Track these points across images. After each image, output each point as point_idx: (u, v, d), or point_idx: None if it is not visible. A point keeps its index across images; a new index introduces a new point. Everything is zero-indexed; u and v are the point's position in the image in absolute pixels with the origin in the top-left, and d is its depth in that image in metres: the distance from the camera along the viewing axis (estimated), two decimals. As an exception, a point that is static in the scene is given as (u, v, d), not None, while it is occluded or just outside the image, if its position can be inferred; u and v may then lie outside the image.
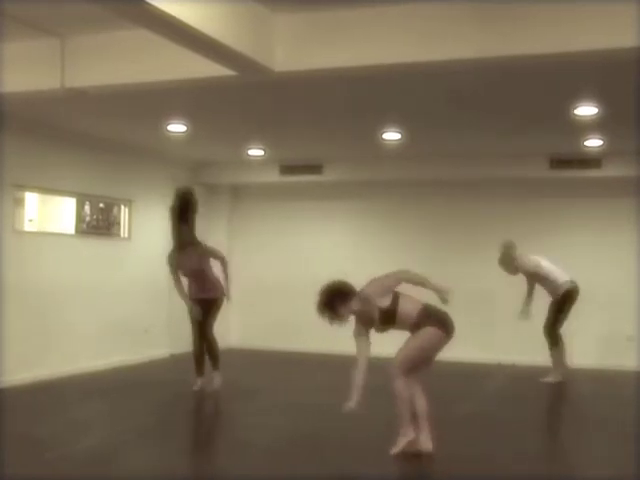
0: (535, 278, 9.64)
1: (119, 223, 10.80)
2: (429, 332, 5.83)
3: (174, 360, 10.97)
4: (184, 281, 8.63)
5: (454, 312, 10.70)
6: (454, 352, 10.29)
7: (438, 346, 5.93)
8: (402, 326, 5.94)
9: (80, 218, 10.08)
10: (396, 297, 5.94)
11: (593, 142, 9.57)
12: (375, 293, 5.98)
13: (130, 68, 6.07)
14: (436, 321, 5.88)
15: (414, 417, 5.99)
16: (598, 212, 11.24)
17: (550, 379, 9.49)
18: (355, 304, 5.93)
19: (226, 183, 12.70)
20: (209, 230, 12.81)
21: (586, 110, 7.77)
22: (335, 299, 5.98)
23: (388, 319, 5.90)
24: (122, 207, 10.86)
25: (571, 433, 7.02)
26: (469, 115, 8.36)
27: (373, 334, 6.00)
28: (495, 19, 5.20)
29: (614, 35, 4.94)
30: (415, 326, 5.88)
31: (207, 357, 8.61)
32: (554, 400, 8.66)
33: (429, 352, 5.97)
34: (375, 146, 10.06)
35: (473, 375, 10.20)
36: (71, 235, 9.97)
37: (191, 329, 8.60)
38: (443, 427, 7.13)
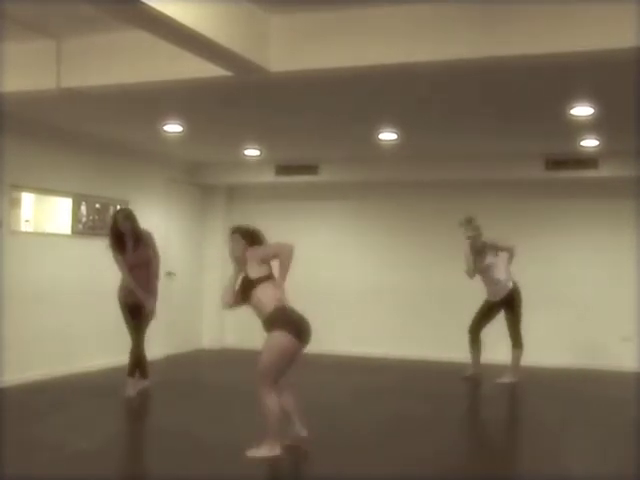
0: (487, 268, 9.57)
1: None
2: (280, 339, 5.62)
3: (169, 361, 10.98)
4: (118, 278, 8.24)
5: (453, 312, 10.67)
6: (453, 352, 10.39)
7: (293, 353, 5.72)
8: (257, 311, 5.82)
9: (76, 218, 10.06)
10: (266, 278, 5.81)
11: (589, 142, 9.57)
12: (254, 258, 5.85)
13: (126, 68, 6.08)
14: (290, 326, 5.65)
15: (286, 417, 5.91)
16: (595, 213, 11.25)
17: (468, 374, 9.66)
18: (247, 254, 5.87)
19: (222, 183, 12.69)
20: (205, 231, 12.83)
21: (582, 110, 7.77)
22: (247, 237, 5.97)
23: (245, 291, 5.79)
24: (118, 207, 10.83)
25: (570, 433, 7.02)
26: (465, 116, 8.36)
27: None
28: (491, 19, 5.21)
29: (610, 36, 4.95)
30: (269, 323, 5.70)
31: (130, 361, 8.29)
32: (552, 400, 8.66)
33: (286, 361, 5.71)
34: (371, 146, 10.06)
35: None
36: (67, 235, 9.95)
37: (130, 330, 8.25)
38: (442, 427, 7.15)
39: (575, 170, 10.60)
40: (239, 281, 5.90)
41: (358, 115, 8.38)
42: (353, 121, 8.73)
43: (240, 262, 5.88)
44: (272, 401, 5.63)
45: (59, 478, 5.33)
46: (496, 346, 10.00)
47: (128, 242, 8.12)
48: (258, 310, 5.80)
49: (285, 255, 5.74)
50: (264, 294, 5.71)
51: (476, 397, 8.86)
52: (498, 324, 9.67)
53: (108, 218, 10.58)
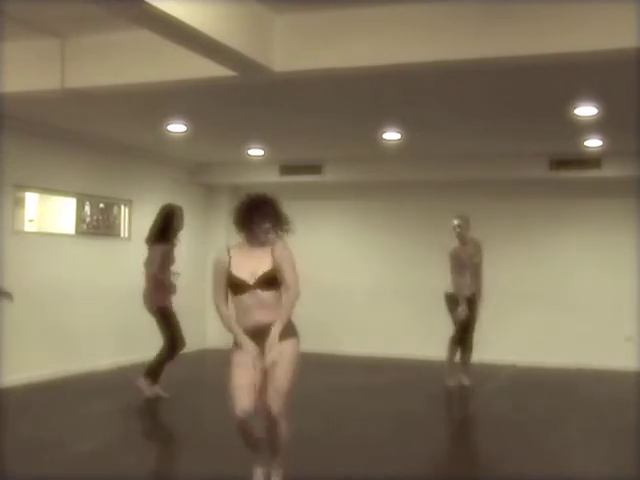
0: (478, 262, 9.34)
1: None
2: (297, 348, 4.84)
3: (173, 360, 10.97)
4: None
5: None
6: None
7: None
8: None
9: (80, 218, 10.08)
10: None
11: (593, 142, 9.56)
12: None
13: (130, 68, 6.08)
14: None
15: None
16: (598, 212, 11.25)
17: (466, 382, 9.27)
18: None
19: (226, 183, 12.70)
20: (209, 231, 12.83)
21: (586, 110, 7.77)
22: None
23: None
24: (122, 207, 10.87)
25: (571, 433, 7.02)
26: (469, 115, 8.36)
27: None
28: (494, 19, 5.20)
29: (614, 36, 4.95)
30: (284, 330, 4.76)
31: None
32: (553, 401, 8.66)
33: None
34: (375, 146, 10.05)
35: (474, 375, 10.19)
36: (71, 235, 9.97)
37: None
38: (447, 428, 7.16)
39: (579, 170, 10.60)
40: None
41: (362, 115, 8.38)
42: (357, 121, 8.73)
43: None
44: (287, 425, 4.87)
45: (60, 478, 5.35)
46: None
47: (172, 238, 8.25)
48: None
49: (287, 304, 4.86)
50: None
51: (478, 397, 8.84)
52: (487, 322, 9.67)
53: (112, 218, 10.62)
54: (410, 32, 5.39)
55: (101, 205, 10.44)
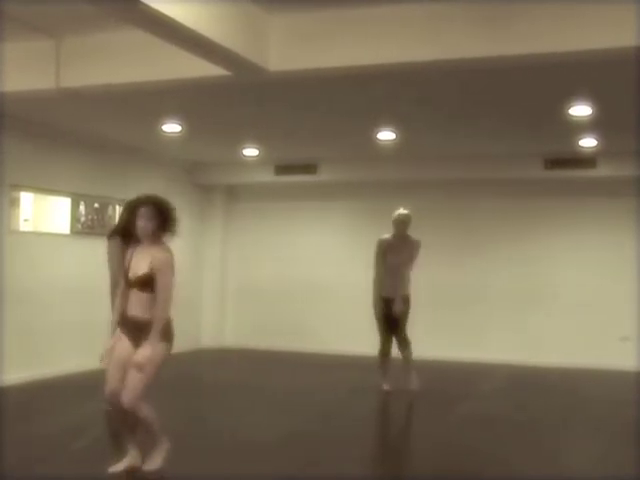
0: (413, 261, 8.93)
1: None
2: (164, 353, 5.40)
3: (168, 360, 10.98)
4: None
5: (452, 312, 10.67)
6: (453, 352, 10.40)
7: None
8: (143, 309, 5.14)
9: (75, 218, 10.07)
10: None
11: (588, 142, 9.57)
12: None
13: (125, 68, 6.09)
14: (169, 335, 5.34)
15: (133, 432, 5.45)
16: (593, 212, 11.26)
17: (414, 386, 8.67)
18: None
19: (221, 183, 12.70)
20: (204, 230, 12.82)
21: (581, 110, 7.78)
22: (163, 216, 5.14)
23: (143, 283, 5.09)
24: (117, 207, 10.84)
25: (570, 433, 7.02)
26: (464, 115, 8.37)
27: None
28: (489, 19, 5.22)
29: (608, 35, 4.97)
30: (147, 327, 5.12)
31: None
32: (551, 401, 8.66)
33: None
34: (370, 146, 10.06)
35: (470, 375, 10.21)
36: (66, 235, 9.96)
37: None
38: (443, 427, 7.16)
39: (574, 170, 10.61)
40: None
41: (357, 115, 8.38)
42: (352, 121, 8.73)
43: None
44: (148, 409, 5.29)
45: (59, 477, 5.34)
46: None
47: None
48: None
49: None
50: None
51: (476, 397, 8.83)
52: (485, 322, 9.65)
53: (107, 217, 10.60)
54: (404, 32, 5.40)
55: (96, 205, 10.43)
